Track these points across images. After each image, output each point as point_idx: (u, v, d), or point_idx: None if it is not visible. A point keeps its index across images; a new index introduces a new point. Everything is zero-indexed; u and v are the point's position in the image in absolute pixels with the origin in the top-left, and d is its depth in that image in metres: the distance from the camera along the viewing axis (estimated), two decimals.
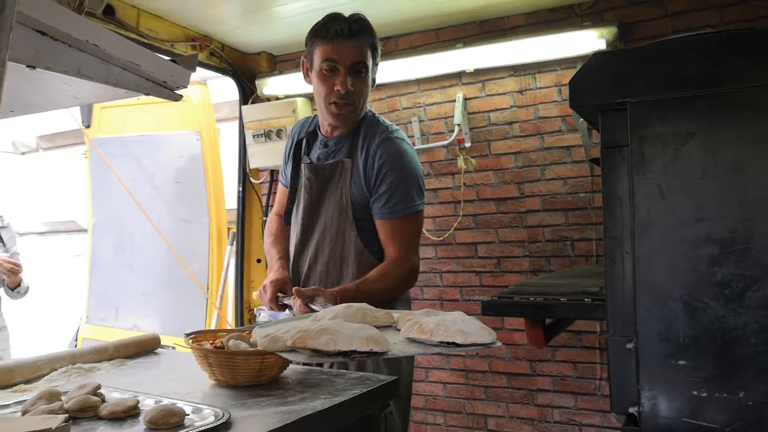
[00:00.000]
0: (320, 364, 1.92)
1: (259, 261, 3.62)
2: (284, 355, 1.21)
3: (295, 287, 1.79)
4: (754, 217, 1.47)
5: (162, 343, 1.91)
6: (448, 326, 1.25)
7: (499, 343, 1.30)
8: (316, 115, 2.14)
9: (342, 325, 1.24)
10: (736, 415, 1.47)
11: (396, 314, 1.52)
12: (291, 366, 1.59)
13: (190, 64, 1.34)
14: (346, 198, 1.94)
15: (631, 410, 1.60)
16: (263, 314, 3.49)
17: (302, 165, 2.06)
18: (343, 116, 1.96)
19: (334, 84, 1.90)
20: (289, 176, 2.13)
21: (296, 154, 2.11)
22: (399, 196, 1.92)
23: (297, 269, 2.06)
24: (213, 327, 3.45)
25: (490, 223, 3.13)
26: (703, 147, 1.52)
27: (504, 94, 3.07)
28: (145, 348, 1.86)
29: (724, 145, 1.50)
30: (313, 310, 1.67)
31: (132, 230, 3.91)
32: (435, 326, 1.26)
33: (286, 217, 2.11)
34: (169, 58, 1.31)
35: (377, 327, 1.38)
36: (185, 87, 1.35)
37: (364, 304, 1.50)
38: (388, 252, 1.94)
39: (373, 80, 2.01)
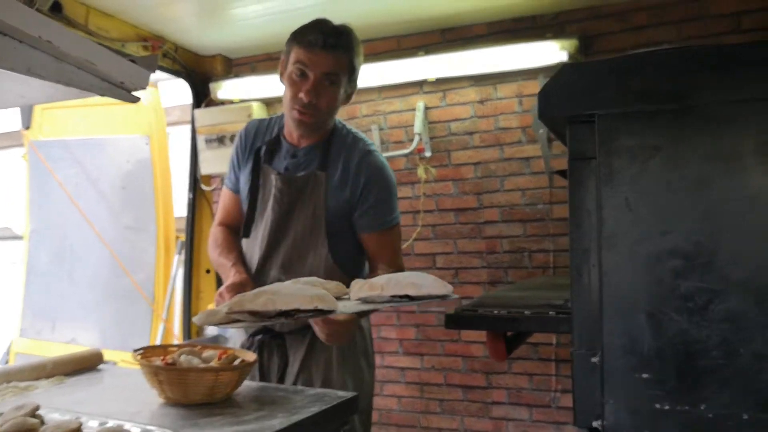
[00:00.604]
0: (281, 381, 1.85)
1: (208, 272, 3.50)
2: (225, 326, 1.19)
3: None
4: (718, 231, 1.48)
5: (104, 358, 1.80)
6: (399, 280, 1.22)
7: (455, 295, 1.27)
8: (271, 118, 2.05)
9: (282, 285, 1.21)
10: (698, 428, 1.47)
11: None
12: (246, 383, 1.52)
13: (150, 64, 1.27)
14: (320, 212, 1.86)
15: (595, 424, 1.59)
16: (212, 327, 3.37)
17: (272, 176, 1.92)
18: (304, 124, 1.87)
19: (300, 90, 1.83)
20: (243, 183, 2.00)
21: (255, 162, 1.98)
22: (385, 208, 1.90)
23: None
24: (159, 340, 3.31)
25: (448, 233, 3.10)
26: (668, 161, 1.53)
27: (465, 104, 3.06)
28: (86, 364, 1.75)
29: (688, 159, 1.51)
30: None
31: (72, 238, 3.72)
32: (386, 281, 1.23)
33: (245, 230, 1.97)
34: (128, 58, 1.24)
35: None
36: (144, 88, 1.27)
37: (313, 277, 1.49)
38: (378, 262, 1.91)
39: (348, 95, 1.95)
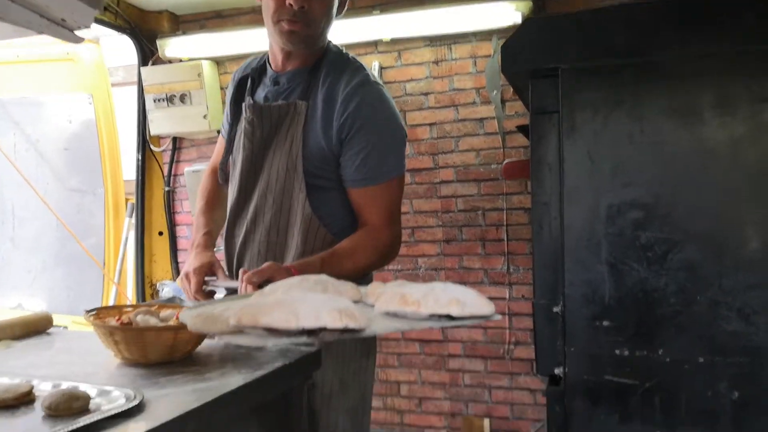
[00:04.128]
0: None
1: (161, 234, 3.42)
2: (228, 338, 0.97)
3: (242, 268, 1.46)
4: (677, 183, 1.54)
5: (53, 322, 1.73)
6: (438, 296, 1.02)
7: (498, 316, 1.08)
8: (265, 53, 1.74)
9: (303, 296, 1.01)
10: (655, 372, 1.55)
11: (362, 289, 1.27)
12: (207, 341, 1.45)
13: (95, 1, 1.17)
14: (297, 150, 1.53)
15: (556, 371, 1.65)
16: (167, 289, 3.31)
17: (243, 106, 1.63)
18: (296, 35, 1.52)
19: None
20: (228, 123, 1.74)
21: (238, 97, 1.70)
22: (377, 158, 1.53)
23: (231, 238, 1.68)
24: (111, 303, 3.23)
25: (405, 194, 3.10)
26: (630, 115, 1.57)
27: (420, 64, 3.05)
28: (35, 328, 1.68)
29: (649, 114, 1.55)
30: None
31: (13, 202, 3.56)
32: (423, 296, 1.01)
33: (220, 173, 1.72)
34: None
35: None
36: (88, 27, 1.17)
37: (323, 276, 1.23)
38: (363, 219, 1.57)
39: (342, 3, 1.61)
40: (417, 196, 3.10)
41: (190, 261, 1.61)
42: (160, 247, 3.41)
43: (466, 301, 1.04)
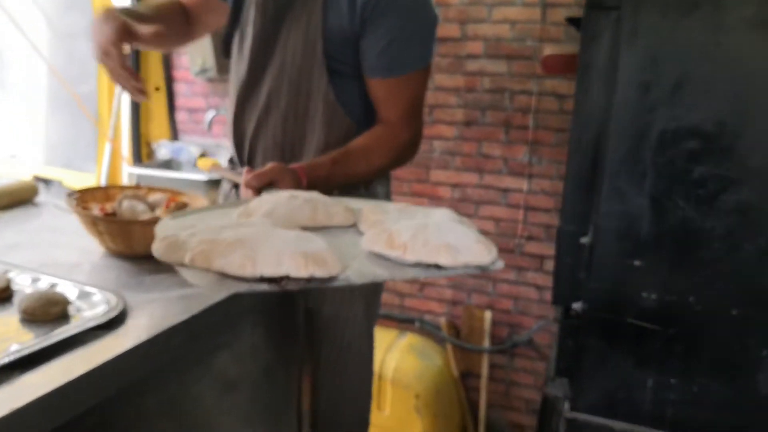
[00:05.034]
0: None
1: (158, 89, 3.17)
2: (184, 273, 0.83)
3: (246, 167, 1.34)
4: (746, 112, 1.28)
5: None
6: (429, 238, 0.87)
7: (500, 264, 0.90)
8: None
9: (269, 232, 0.85)
10: (681, 319, 1.40)
11: (359, 204, 1.14)
12: None
13: None
14: (316, 28, 1.35)
15: (574, 306, 1.51)
16: (164, 150, 3.13)
17: None
18: None
19: None
20: None
21: None
22: (401, 46, 1.36)
23: (240, 123, 1.52)
24: (106, 161, 3.07)
25: None
26: (705, 22, 1.27)
27: None
28: (19, 198, 1.55)
29: (730, 22, 1.26)
30: None
31: (1, 44, 3.29)
32: (411, 237, 0.88)
33: (223, 46, 1.53)
34: None
35: (331, 228, 1.02)
36: None
37: (314, 194, 1.10)
38: (381, 114, 1.43)
39: None
40: (439, 70, 2.80)
41: (95, 31, 1.34)
42: (157, 102, 3.18)
43: (459, 247, 0.88)
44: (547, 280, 2.81)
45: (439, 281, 3.01)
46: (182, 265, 0.84)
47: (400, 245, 0.88)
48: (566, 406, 1.50)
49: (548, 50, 2.12)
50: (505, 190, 2.82)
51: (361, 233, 1.02)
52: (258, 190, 1.22)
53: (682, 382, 1.41)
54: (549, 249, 2.78)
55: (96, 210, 1.27)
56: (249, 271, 0.79)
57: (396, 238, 0.89)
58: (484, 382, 2.92)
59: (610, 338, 1.45)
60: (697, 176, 1.32)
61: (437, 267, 0.87)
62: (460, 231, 0.91)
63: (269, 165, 1.26)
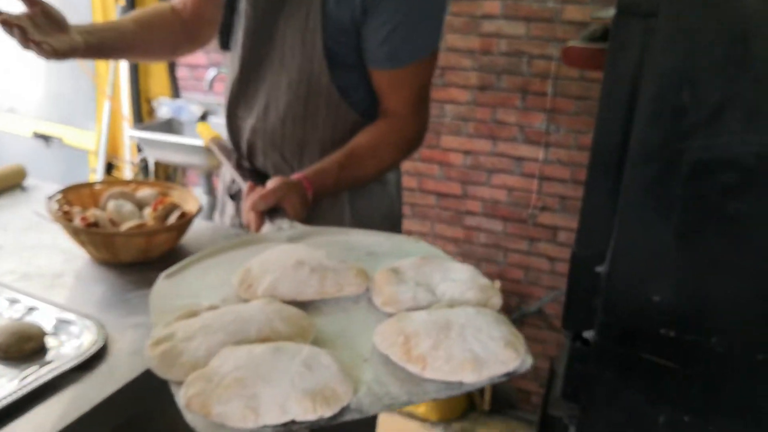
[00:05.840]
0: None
1: None
2: (184, 413, 0.70)
3: (249, 182, 1.24)
4: None
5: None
6: (452, 351, 0.77)
7: (529, 362, 0.79)
8: None
9: (271, 364, 0.74)
10: (701, 359, 1.30)
11: (371, 248, 1.03)
12: (187, 235, 1.26)
13: None
14: (315, 18, 1.25)
15: (585, 335, 1.41)
16: (165, 108, 2.98)
17: None
18: None
19: None
20: None
21: None
22: (405, 34, 1.25)
23: (234, 118, 1.43)
24: (105, 121, 2.93)
25: None
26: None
27: None
28: (5, 184, 1.48)
29: None
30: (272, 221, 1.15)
31: None
32: (431, 348, 0.77)
33: (221, 38, 1.43)
34: None
35: (342, 299, 0.94)
36: None
37: (317, 255, 0.97)
38: (385, 106, 1.34)
39: None
40: (452, 29, 2.59)
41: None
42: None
43: (486, 357, 0.77)
44: (560, 252, 2.71)
45: (447, 247, 2.92)
46: (178, 383, 0.74)
47: (418, 358, 0.77)
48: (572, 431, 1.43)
49: (570, 41, 1.92)
50: (520, 159, 2.68)
51: (374, 307, 0.92)
52: (262, 214, 1.15)
53: (697, 421, 1.32)
54: (563, 220, 2.67)
55: (77, 219, 1.20)
56: (251, 423, 0.70)
57: (414, 348, 0.78)
58: None
59: (622, 372, 1.36)
60: (732, 212, 1.18)
61: (460, 384, 0.78)
62: (486, 333, 0.80)
63: (273, 182, 1.18)
